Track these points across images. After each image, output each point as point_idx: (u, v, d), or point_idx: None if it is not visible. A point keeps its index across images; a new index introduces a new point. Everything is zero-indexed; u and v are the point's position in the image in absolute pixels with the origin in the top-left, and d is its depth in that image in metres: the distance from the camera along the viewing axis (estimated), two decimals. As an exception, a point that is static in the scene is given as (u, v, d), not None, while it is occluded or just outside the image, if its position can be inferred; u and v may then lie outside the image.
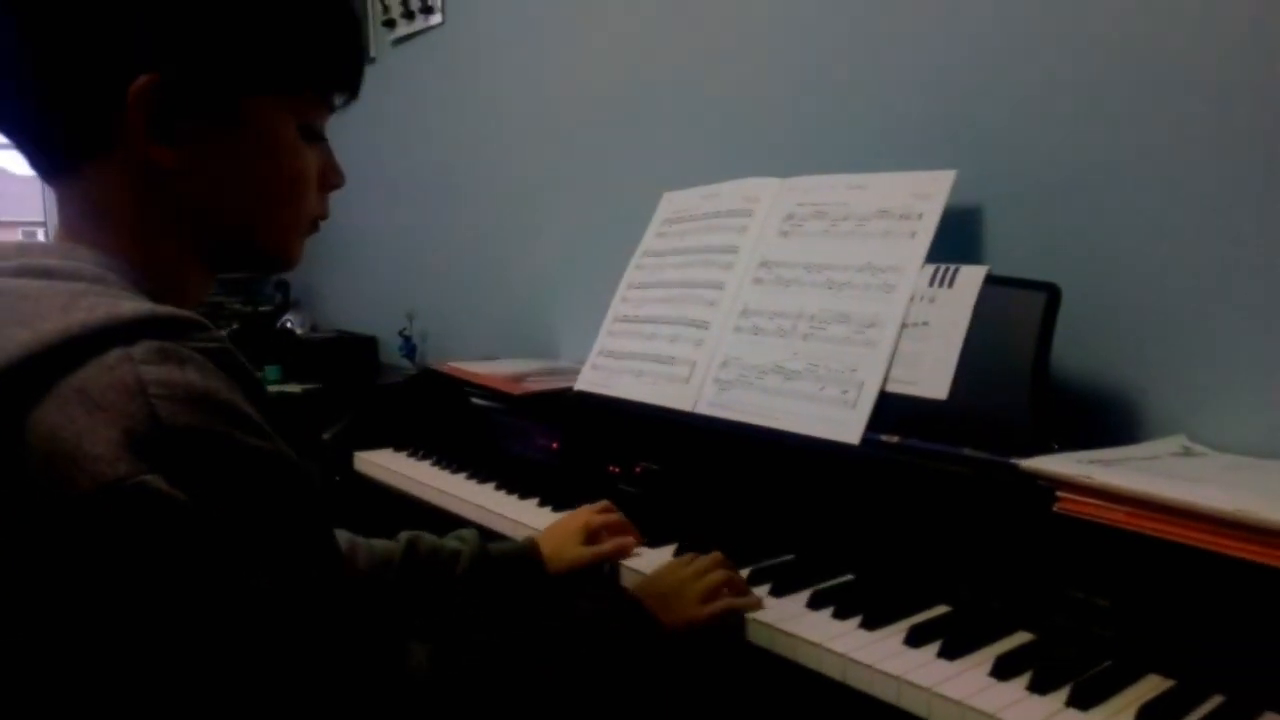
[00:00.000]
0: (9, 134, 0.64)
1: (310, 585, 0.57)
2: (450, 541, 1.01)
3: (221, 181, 0.66)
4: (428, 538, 1.00)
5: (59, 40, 0.60)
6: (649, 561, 1.01)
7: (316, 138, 0.71)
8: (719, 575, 0.87)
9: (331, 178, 0.73)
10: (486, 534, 1.20)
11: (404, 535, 1.00)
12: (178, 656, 0.53)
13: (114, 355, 0.54)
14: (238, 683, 0.54)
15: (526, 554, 1.02)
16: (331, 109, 0.71)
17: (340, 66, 0.70)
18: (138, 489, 0.51)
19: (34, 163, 0.65)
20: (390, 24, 2.31)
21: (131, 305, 0.57)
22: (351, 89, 0.71)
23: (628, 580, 1.00)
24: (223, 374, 0.57)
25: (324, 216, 0.74)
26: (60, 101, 0.62)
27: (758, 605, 0.87)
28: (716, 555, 0.90)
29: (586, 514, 1.06)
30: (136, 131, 0.61)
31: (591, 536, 1.03)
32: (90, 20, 0.60)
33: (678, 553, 1.02)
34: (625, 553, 1.02)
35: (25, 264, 0.60)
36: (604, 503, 1.09)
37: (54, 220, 0.69)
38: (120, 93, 0.60)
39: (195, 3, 0.62)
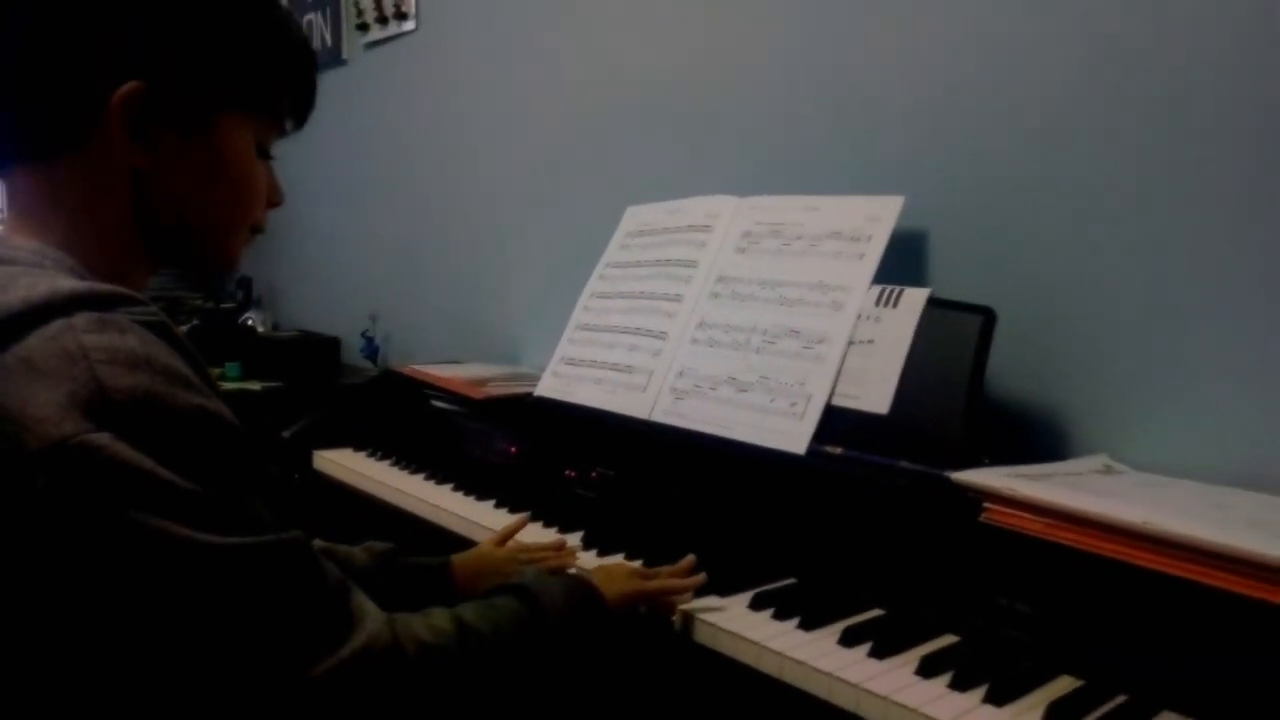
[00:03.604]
0: None
1: (259, 541, 0.59)
2: (358, 553, 0.99)
3: (186, 186, 0.70)
4: (341, 549, 0.99)
5: (56, 42, 0.64)
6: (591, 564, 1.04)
7: (267, 156, 0.76)
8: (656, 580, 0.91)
9: (273, 195, 0.78)
10: (442, 534, 1.24)
11: (316, 544, 0.98)
12: (125, 611, 0.56)
13: (55, 326, 0.57)
14: (184, 637, 0.57)
15: (437, 570, 1.00)
16: (282, 133, 0.77)
17: (300, 96, 0.76)
18: (83, 445, 0.54)
19: None
20: (364, 27, 2.33)
21: (70, 282, 0.60)
22: (302, 118, 0.78)
23: None
24: (162, 342, 0.60)
25: (262, 230, 0.78)
26: (46, 98, 0.65)
27: (697, 583, 0.91)
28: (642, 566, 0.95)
29: (512, 550, 1.04)
30: (115, 134, 0.65)
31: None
32: (88, 27, 0.64)
33: (628, 558, 1.05)
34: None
35: None
36: (539, 540, 1.08)
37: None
38: (105, 96, 0.64)
39: (185, 23, 0.67)
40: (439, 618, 0.71)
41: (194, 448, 0.58)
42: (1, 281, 0.59)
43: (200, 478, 0.57)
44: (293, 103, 0.76)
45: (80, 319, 0.58)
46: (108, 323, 0.58)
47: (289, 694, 0.60)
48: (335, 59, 2.45)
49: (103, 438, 0.54)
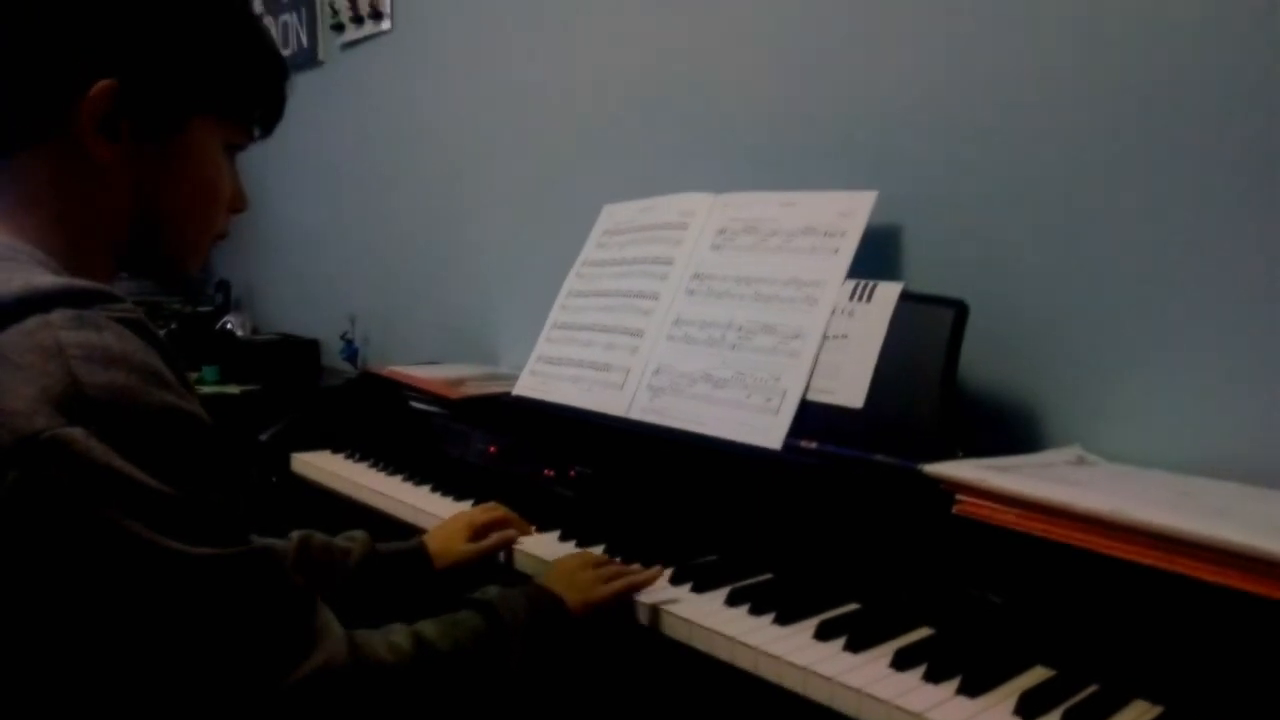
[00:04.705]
0: None
1: (224, 552, 0.59)
2: (340, 541, 1.04)
3: (153, 186, 0.70)
4: (320, 536, 1.03)
5: (32, 38, 0.64)
6: (541, 545, 1.07)
7: (232, 161, 0.77)
8: (614, 566, 0.94)
9: (236, 201, 0.78)
10: (398, 530, 1.24)
11: (296, 534, 1.02)
12: (85, 607, 0.56)
13: (32, 322, 0.57)
14: (140, 642, 0.57)
15: (414, 552, 1.05)
16: (250, 140, 0.78)
17: (271, 104, 0.77)
18: (55, 440, 0.54)
19: None
20: (339, 28, 2.32)
21: (47, 278, 0.60)
22: (270, 126, 0.79)
23: (521, 564, 1.06)
24: (139, 339, 0.60)
25: (225, 236, 0.79)
26: (19, 93, 0.65)
27: (655, 577, 0.92)
28: (603, 555, 0.97)
29: (471, 513, 1.11)
30: (85, 128, 0.65)
31: (478, 533, 1.07)
32: (65, 25, 0.64)
33: (606, 553, 1.05)
34: (508, 544, 1.07)
35: None
36: (490, 503, 1.14)
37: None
38: (79, 91, 0.64)
39: (160, 25, 0.67)
40: (400, 635, 0.71)
41: (166, 447, 0.58)
42: None
43: (170, 478, 0.57)
44: (262, 110, 0.77)
45: (57, 315, 0.58)
46: (85, 320, 0.58)
47: (243, 712, 0.59)
48: (311, 60, 2.43)
49: (75, 433, 0.54)
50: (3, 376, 0.55)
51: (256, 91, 0.75)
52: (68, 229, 0.68)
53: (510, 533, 1.08)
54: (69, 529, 0.54)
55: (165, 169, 0.70)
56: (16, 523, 0.54)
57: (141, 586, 0.56)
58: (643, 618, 0.91)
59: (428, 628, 0.74)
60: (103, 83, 0.65)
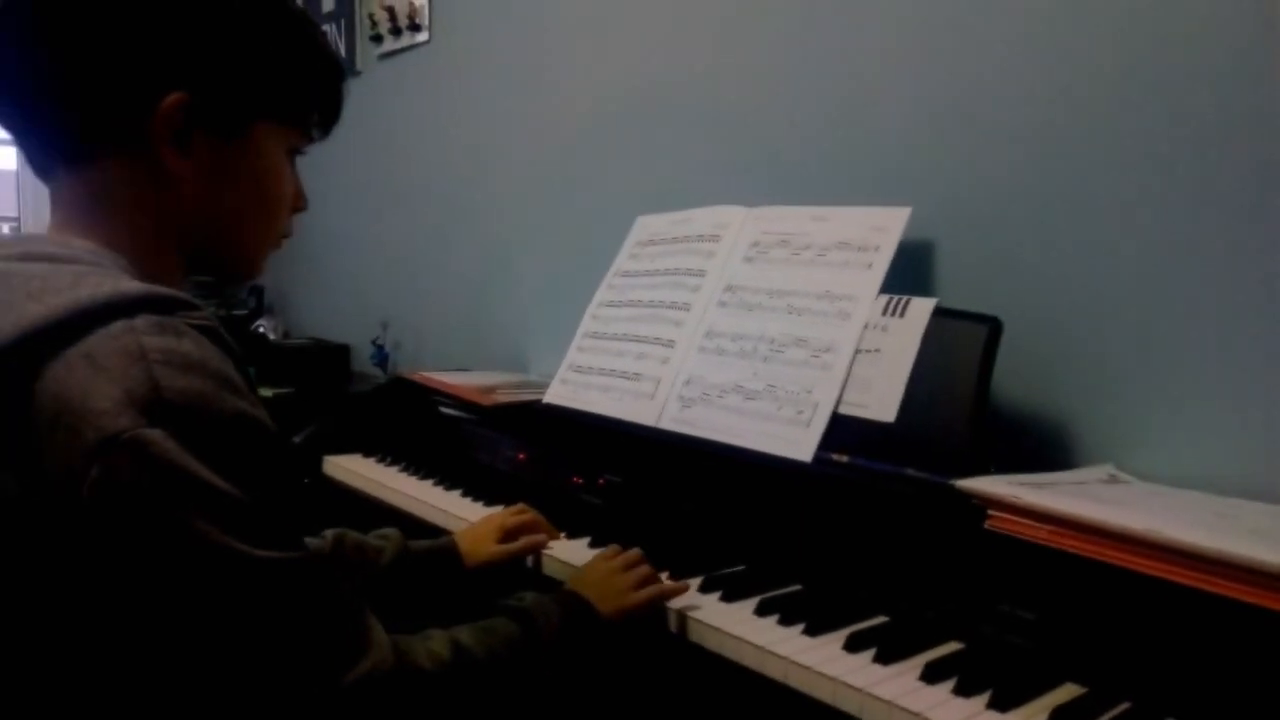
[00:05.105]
0: (24, 127, 0.70)
1: (288, 557, 0.61)
2: (373, 539, 1.06)
3: (223, 191, 0.73)
4: (353, 534, 1.05)
5: (107, 54, 0.66)
6: (570, 551, 1.08)
7: (293, 163, 0.80)
8: (645, 569, 0.94)
9: (298, 201, 0.81)
10: (428, 534, 1.25)
11: (330, 532, 1.05)
12: (151, 603, 0.58)
13: (117, 326, 0.59)
14: (200, 639, 0.59)
15: (445, 550, 1.08)
16: (310, 142, 0.80)
17: (329, 107, 0.80)
18: (135, 440, 0.56)
19: (40, 157, 0.71)
20: (378, 39, 2.36)
21: (132, 284, 0.63)
22: (329, 128, 0.81)
23: (550, 569, 1.07)
24: (215, 347, 0.63)
25: (289, 235, 0.82)
26: (96, 106, 0.67)
27: (683, 590, 0.93)
28: (637, 552, 0.97)
29: (502, 515, 1.14)
30: (158, 138, 0.68)
31: (508, 535, 1.10)
32: (137, 40, 0.67)
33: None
34: (537, 548, 1.09)
35: (28, 250, 0.65)
36: (519, 505, 1.16)
37: (28, 215, 0.74)
38: (151, 105, 0.67)
39: (226, 37, 0.70)
40: (437, 642, 0.73)
41: (237, 452, 0.60)
42: (70, 280, 0.62)
43: (239, 482, 0.59)
44: (322, 113, 0.80)
45: (141, 321, 0.60)
46: (166, 326, 0.61)
47: (299, 713, 0.61)
48: (349, 70, 2.47)
49: (154, 434, 0.57)
50: (90, 377, 0.57)
51: (317, 96, 0.78)
52: (141, 234, 0.70)
53: (540, 538, 1.10)
54: (143, 525, 0.57)
55: (232, 175, 0.73)
56: (96, 517, 0.56)
57: (208, 585, 0.58)
58: (671, 624, 0.92)
59: (464, 635, 0.75)
60: (174, 95, 0.67)
